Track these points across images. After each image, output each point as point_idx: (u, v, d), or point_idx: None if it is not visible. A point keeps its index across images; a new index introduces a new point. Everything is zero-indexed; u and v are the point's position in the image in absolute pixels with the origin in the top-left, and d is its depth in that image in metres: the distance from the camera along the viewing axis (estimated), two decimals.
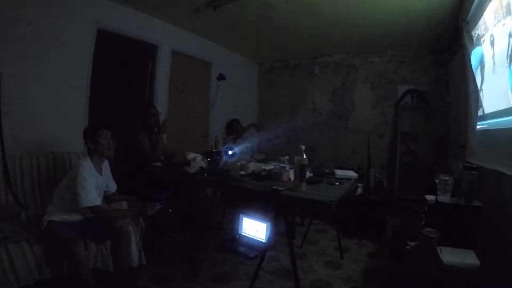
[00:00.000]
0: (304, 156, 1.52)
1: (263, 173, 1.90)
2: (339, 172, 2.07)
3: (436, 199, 1.70)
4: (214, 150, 2.19)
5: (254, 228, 2.59)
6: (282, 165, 2.12)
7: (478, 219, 1.56)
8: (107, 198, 1.93)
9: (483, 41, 2.00)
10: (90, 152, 1.77)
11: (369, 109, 4.30)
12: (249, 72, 5.13)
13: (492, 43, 1.81)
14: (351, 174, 2.09)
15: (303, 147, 1.56)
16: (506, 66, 1.58)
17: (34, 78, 2.24)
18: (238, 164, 2.09)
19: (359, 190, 3.04)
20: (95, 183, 1.70)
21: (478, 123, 2.19)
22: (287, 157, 2.30)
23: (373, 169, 3.45)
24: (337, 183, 1.77)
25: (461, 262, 1.39)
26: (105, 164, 1.88)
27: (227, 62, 4.31)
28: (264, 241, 2.46)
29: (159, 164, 2.34)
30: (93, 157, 1.76)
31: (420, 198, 2.06)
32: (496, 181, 1.60)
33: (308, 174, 1.72)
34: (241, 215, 2.72)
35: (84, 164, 1.67)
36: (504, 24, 1.58)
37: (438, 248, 1.48)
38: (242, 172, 1.95)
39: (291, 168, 1.81)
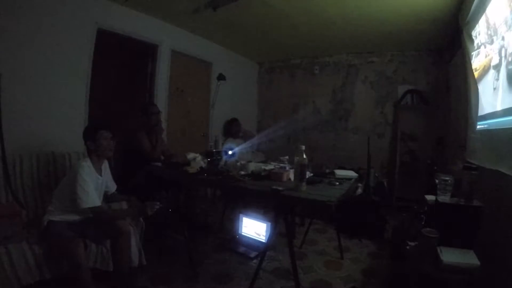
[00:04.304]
0: (304, 156, 1.52)
1: (263, 173, 1.90)
2: (339, 172, 2.07)
3: (436, 199, 1.69)
4: (214, 150, 2.19)
5: (254, 228, 2.59)
6: (282, 165, 2.12)
7: (478, 219, 1.56)
8: (107, 198, 1.93)
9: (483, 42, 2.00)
10: (89, 153, 1.77)
11: (369, 109, 4.30)
12: (249, 72, 5.13)
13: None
14: (351, 174, 2.09)
15: (303, 147, 1.56)
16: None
17: (34, 78, 2.24)
18: (238, 164, 2.09)
19: (359, 190, 3.05)
20: (94, 184, 1.70)
21: (478, 123, 2.19)
22: (287, 157, 2.30)
23: (373, 169, 3.45)
24: (337, 183, 1.77)
25: (461, 262, 1.39)
26: (105, 164, 1.88)
27: (227, 62, 4.31)
28: (264, 241, 2.46)
29: (159, 164, 2.34)
30: (92, 157, 1.76)
31: (420, 198, 2.06)
32: (496, 181, 1.60)
33: (308, 174, 1.72)
34: (241, 215, 2.72)
35: (83, 165, 1.66)
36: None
37: (438, 248, 1.48)
38: (242, 172, 1.95)
39: (291, 168, 1.81)
